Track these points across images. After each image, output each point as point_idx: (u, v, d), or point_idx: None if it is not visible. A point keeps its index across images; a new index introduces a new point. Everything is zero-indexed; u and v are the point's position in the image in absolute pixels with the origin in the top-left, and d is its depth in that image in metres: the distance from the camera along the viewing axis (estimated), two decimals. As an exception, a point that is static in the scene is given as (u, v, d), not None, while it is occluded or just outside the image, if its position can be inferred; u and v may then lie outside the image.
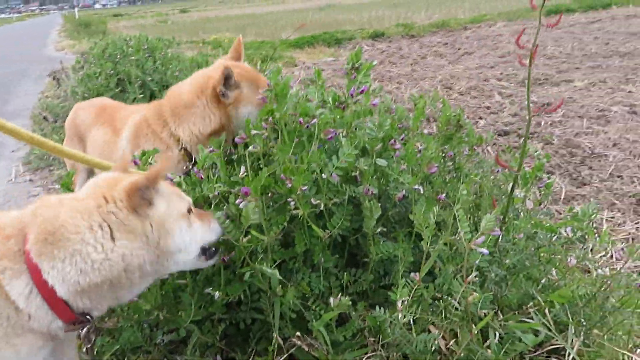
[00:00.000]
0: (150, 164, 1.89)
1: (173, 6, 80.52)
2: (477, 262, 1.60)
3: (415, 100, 2.11)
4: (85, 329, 1.46)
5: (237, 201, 1.61)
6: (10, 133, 1.79)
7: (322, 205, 1.69)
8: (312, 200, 1.67)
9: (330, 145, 1.85)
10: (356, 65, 1.76)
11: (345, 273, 1.82)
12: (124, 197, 1.37)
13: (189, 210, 1.52)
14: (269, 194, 1.72)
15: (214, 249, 1.61)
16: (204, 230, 1.55)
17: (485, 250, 1.48)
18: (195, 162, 2.04)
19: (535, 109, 1.63)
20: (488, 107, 7.15)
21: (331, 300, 1.63)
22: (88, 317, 1.41)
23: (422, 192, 1.74)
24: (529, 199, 2.13)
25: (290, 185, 1.63)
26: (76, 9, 54.72)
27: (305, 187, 1.65)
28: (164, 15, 42.09)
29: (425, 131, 2.32)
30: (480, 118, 6.64)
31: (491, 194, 1.97)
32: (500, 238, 1.86)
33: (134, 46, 6.06)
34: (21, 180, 5.14)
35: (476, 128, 6.25)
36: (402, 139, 1.94)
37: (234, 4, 63.78)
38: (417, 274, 1.59)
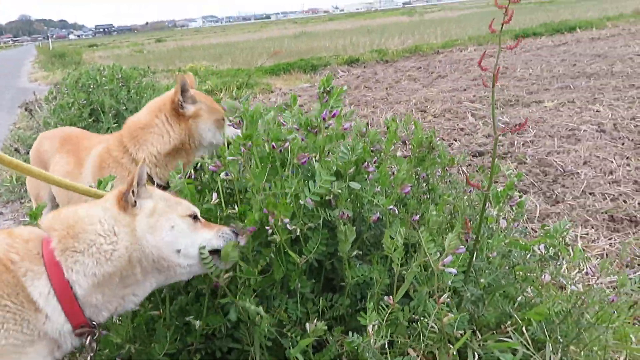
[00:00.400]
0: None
1: (149, 36, 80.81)
2: (450, 282, 1.60)
3: (388, 124, 2.13)
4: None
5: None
6: None
7: (298, 231, 1.68)
8: (288, 226, 1.67)
9: (304, 170, 1.85)
10: (327, 89, 1.78)
11: (322, 298, 1.80)
12: (114, 199, 1.53)
13: (193, 217, 1.61)
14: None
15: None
16: (210, 235, 1.60)
17: (453, 270, 1.49)
18: (158, 186, 2.08)
19: (503, 129, 1.66)
20: (462, 129, 7.28)
21: (307, 325, 1.61)
22: (93, 324, 1.49)
23: (397, 213, 1.75)
24: (502, 218, 2.16)
25: (272, 220, 1.63)
26: (50, 40, 54.47)
27: (287, 220, 1.65)
28: (139, 45, 42.14)
29: (400, 153, 2.35)
30: (455, 140, 6.75)
31: (464, 214, 1.99)
32: (474, 257, 1.88)
33: (108, 76, 6.04)
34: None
35: (451, 149, 6.34)
36: (375, 162, 1.95)
37: (210, 33, 64.30)
38: (391, 297, 1.59)
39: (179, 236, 1.54)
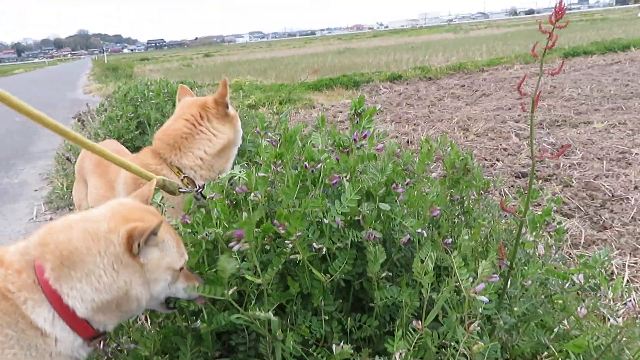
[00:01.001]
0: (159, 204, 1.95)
1: (197, 51, 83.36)
2: (481, 310, 1.56)
3: (421, 144, 2.12)
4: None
5: (230, 244, 1.63)
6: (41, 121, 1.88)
7: (325, 250, 1.68)
8: (315, 244, 1.67)
9: (334, 190, 1.86)
10: (358, 111, 1.79)
11: (349, 318, 1.79)
12: (124, 239, 1.48)
13: (181, 268, 1.64)
14: (265, 238, 1.74)
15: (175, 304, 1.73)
16: (181, 288, 1.65)
17: (485, 299, 1.45)
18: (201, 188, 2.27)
19: (541, 155, 1.62)
20: (505, 149, 7.11)
21: (334, 347, 1.60)
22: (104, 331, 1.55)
23: (426, 236, 1.72)
24: (540, 244, 2.09)
25: (283, 231, 1.65)
26: (105, 54, 56.97)
27: (300, 233, 1.66)
28: (188, 59, 43.47)
29: (436, 174, 2.32)
30: (498, 160, 6.60)
31: (498, 239, 1.94)
32: (508, 284, 1.82)
33: (155, 90, 6.26)
34: (42, 219, 5.24)
35: (493, 170, 6.20)
36: (407, 184, 1.94)
37: (256, 48, 65.67)
38: (420, 321, 1.56)
39: (167, 289, 1.61)
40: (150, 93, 6.21)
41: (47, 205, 5.68)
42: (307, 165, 1.76)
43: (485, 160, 6.68)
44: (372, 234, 1.69)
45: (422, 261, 1.64)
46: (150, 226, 1.47)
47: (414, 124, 9.27)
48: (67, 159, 6.03)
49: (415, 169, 2.02)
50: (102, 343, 1.58)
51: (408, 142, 7.90)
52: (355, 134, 1.78)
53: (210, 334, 1.78)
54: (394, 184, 1.78)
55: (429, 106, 10.90)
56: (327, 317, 1.77)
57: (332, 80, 14.93)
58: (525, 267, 1.93)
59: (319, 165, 1.79)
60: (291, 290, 1.76)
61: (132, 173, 2.07)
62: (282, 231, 1.65)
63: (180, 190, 2.36)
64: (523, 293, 1.91)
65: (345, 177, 1.83)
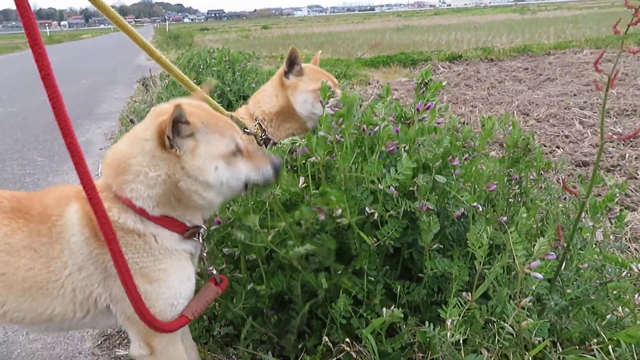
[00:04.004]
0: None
1: (256, 22, 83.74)
2: (533, 287, 1.55)
3: (483, 121, 2.09)
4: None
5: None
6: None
7: (377, 216, 1.72)
8: (367, 209, 1.71)
9: (392, 159, 1.88)
10: (426, 80, 1.79)
11: (399, 284, 1.83)
12: (155, 133, 1.54)
13: (237, 151, 1.64)
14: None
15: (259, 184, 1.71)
16: (249, 169, 1.66)
17: (539, 275, 1.44)
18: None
19: (609, 137, 1.58)
20: (567, 136, 6.84)
21: (384, 310, 1.65)
22: (195, 224, 1.64)
23: (480, 210, 1.72)
24: (599, 231, 2.04)
25: (323, 217, 1.69)
26: (167, 23, 58.19)
27: (340, 210, 1.70)
28: (246, 30, 43.83)
29: (494, 154, 2.29)
30: (558, 147, 6.37)
31: (556, 221, 1.91)
32: (563, 266, 1.80)
33: (217, 58, 6.39)
34: (105, 176, 5.52)
35: (552, 157, 6.00)
36: (466, 159, 1.93)
37: (314, 22, 65.28)
38: (470, 293, 1.58)
39: (222, 174, 1.60)
40: (212, 61, 6.35)
41: (110, 164, 5.96)
42: (364, 128, 1.78)
43: (545, 146, 6.46)
44: (424, 205, 1.71)
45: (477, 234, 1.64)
46: (169, 116, 1.47)
47: (472, 106, 9.03)
48: (131, 120, 6.29)
49: (475, 145, 2.00)
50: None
51: (464, 123, 7.73)
52: (419, 103, 1.79)
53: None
54: (451, 157, 1.78)
55: (488, 88, 10.58)
56: (371, 279, 1.82)
57: (389, 57, 14.71)
58: (582, 252, 1.90)
59: (376, 129, 1.81)
60: (327, 244, 1.77)
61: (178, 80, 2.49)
62: (322, 217, 1.69)
63: (245, 130, 2.65)
64: (577, 277, 1.88)
65: (404, 147, 1.85)
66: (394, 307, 1.66)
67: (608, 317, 2.02)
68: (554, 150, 6.25)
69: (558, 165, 2.19)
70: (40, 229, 1.61)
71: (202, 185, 1.58)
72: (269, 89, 2.95)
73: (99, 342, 2.57)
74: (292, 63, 2.86)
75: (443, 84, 1.87)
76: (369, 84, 11.81)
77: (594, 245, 2.00)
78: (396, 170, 1.68)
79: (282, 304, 1.94)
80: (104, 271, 1.59)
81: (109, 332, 2.63)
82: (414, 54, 15.03)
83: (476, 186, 1.78)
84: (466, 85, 11.07)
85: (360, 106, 3.14)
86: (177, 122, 1.50)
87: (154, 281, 1.58)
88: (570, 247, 1.78)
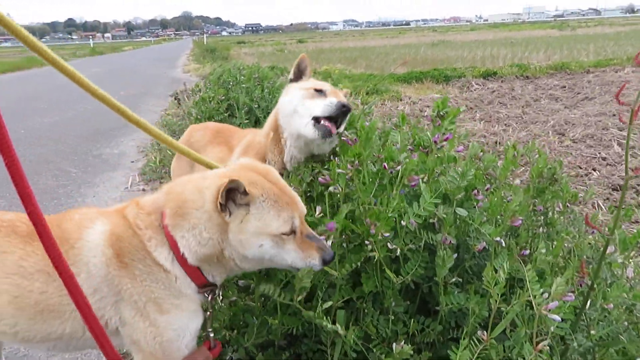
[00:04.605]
0: None
1: (291, 36, 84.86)
2: (552, 328, 1.48)
3: (507, 150, 2.03)
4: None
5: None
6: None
7: (398, 251, 1.68)
8: (389, 244, 1.67)
9: (411, 190, 1.84)
10: (441, 112, 1.74)
11: (413, 320, 1.77)
12: (213, 195, 1.51)
13: (291, 232, 1.57)
14: (343, 234, 1.75)
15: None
16: (298, 257, 1.59)
17: (557, 317, 1.37)
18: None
19: (638, 169, 1.50)
20: (604, 158, 6.62)
21: (394, 345, 1.60)
22: (214, 283, 1.64)
23: (503, 244, 1.66)
24: (631, 267, 1.94)
25: (373, 231, 1.65)
26: (205, 35, 59.59)
27: (388, 234, 1.66)
28: (282, 44, 44.41)
29: (519, 181, 2.21)
30: (594, 169, 6.16)
31: (581, 256, 1.82)
32: (587, 305, 1.71)
33: (246, 75, 6.47)
34: (135, 189, 5.68)
35: (588, 180, 5.80)
36: (487, 189, 1.87)
37: (349, 36, 65.64)
38: (485, 332, 1.51)
39: (266, 253, 1.56)
40: (242, 77, 6.44)
41: (140, 177, 6.12)
42: (386, 166, 1.75)
43: (580, 168, 6.25)
44: (447, 239, 1.66)
45: (496, 270, 1.59)
46: (225, 182, 1.44)
47: (505, 124, 8.86)
48: (162, 134, 6.40)
49: (497, 174, 1.94)
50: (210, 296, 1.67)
51: (497, 143, 7.57)
52: (436, 135, 1.74)
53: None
54: (475, 190, 1.73)
55: (523, 106, 10.36)
56: (393, 318, 1.77)
57: (422, 73, 14.60)
58: (609, 289, 1.80)
59: (398, 167, 1.77)
60: (365, 288, 1.77)
61: (191, 159, 2.13)
62: (373, 231, 1.65)
63: None
64: (605, 316, 1.79)
65: (423, 178, 1.80)
66: (406, 342, 1.61)
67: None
68: (590, 173, 6.04)
69: (586, 197, 2.09)
70: None
71: (240, 257, 1.58)
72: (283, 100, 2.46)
73: (116, 360, 2.59)
74: (299, 72, 2.50)
75: (461, 110, 1.82)
76: (401, 100, 11.74)
77: (624, 282, 1.90)
78: (419, 206, 1.64)
79: (294, 337, 1.91)
80: (117, 294, 1.60)
81: (124, 350, 2.65)
82: (447, 70, 14.88)
83: (499, 219, 1.72)
84: (500, 103, 10.88)
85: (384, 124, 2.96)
86: (234, 190, 1.49)
87: (165, 312, 1.59)
88: (595, 285, 1.69)
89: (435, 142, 1.74)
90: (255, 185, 1.53)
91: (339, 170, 1.78)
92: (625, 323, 1.74)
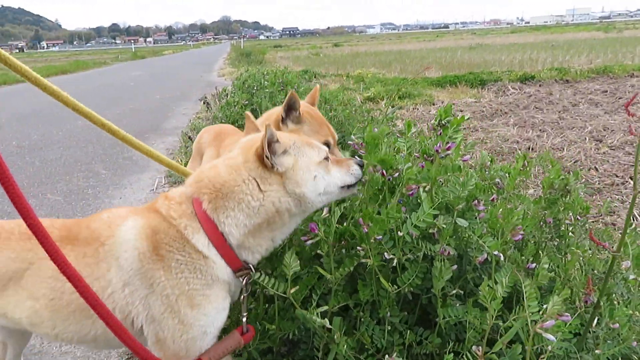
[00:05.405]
0: None
1: (327, 40, 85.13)
2: (550, 347, 1.41)
3: (517, 159, 1.97)
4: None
5: (302, 237, 1.65)
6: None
7: (395, 261, 1.65)
8: (386, 254, 1.65)
9: (412, 200, 1.81)
10: (443, 122, 1.70)
11: (409, 332, 1.73)
12: (256, 159, 1.63)
13: (326, 158, 1.72)
14: (341, 240, 1.74)
15: (353, 184, 1.79)
16: (342, 174, 1.75)
17: (551, 337, 1.31)
18: None
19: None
20: (643, 166, 6.33)
21: (386, 357, 1.57)
22: (249, 266, 1.69)
23: (502, 258, 1.61)
24: (644, 283, 1.85)
25: (366, 230, 1.64)
26: (242, 39, 60.51)
27: (380, 237, 1.64)
28: (317, 48, 44.56)
29: (532, 191, 2.14)
30: (631, 178, 5.90)
31: (591, 271, 1.74)
32: (594, 323, 1.64)
33: (269, 80, 6.53)
34: (160, 191, 5.78)
35: (624, 189, 5.56)
36: (493, 199, 1.82)
37: (385, 40, 65.30)
38: (480, 347, 1.47)
39: (320, 182, 1.68)
40: (265, 82, 6.49)
41: (166, 179, 6.24)
42: (384, 172, 1.73)
43: (617, 177, 6.01)
44: (446, 250, 1.62)
45: (491, 287, 1.54)
46: (263, 137, 1.56)
47: (540, 130, 8.60)
48: (189, 137, 6.54)
49: (505, 184, 1.88)
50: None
51: (530, 148, 7.36)
52: (438, 145, 1.71)
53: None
54: (475, 200, 1.68)
55: (560, 112, 10.04)
56: (389, 328, 1.74)
57: (457, 77, 14.37)
58: (623, 307, 1.72)
59: (396, 174, 1.75)
60: (360, 295, 1.75)
61: (172, 169, 2.37)
62: (366, 230, 1.66)
63: None
64: (614, 336, 1.70)
65: (425, 187, 1.76)
66: (402, 354, 1.57)
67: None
68: (626, 182, 5.79)
69: (603, 210, 2.00)
70: (86, 251, 1.67)
71: (299, 200, 1.65)
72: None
73: (125, 358, 2.65)
74: (290, 108, 2.57)
75: (466, 118, 1.77)
76: (434, 104, 11.57)
77: (630, 301, 1.81)
78: (417, 216, 1.60)
79: (293, 342, 1.90)
80: (149, 287, 1.62)
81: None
82: (483, 74, 14.57)
83: (502, 232, 1.67)
84: (536, 107, 10.58)
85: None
86: (270, 143, 1.59)
87: (196, 306, 1.61)
88: (601, 303, 1.61)
89: (437, 151, 1.70)
90: (279, 134, 1.65)
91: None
92: (635, 343, 1.65)
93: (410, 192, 1.72)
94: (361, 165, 1.78)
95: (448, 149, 1.70)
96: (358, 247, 1.67)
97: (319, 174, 1.67)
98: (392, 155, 1.80)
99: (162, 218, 1.67)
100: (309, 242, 1.71)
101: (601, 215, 4.32)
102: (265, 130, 1.56)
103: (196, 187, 1.68)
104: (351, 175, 1.76)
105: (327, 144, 2.52)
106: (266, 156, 1.59)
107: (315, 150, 1.71)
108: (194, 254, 1.62)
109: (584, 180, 5.88)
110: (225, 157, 1.74)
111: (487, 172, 1.88)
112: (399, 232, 1.65)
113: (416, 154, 1.99)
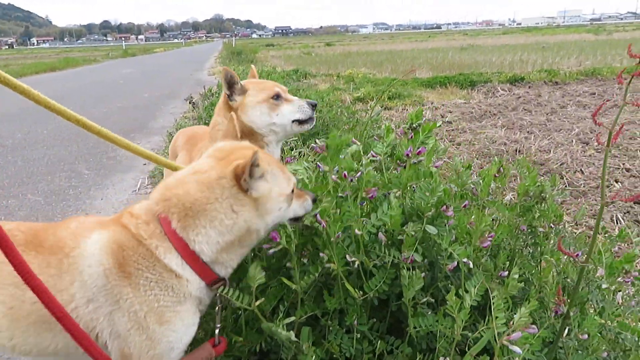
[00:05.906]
0: None
1: (320, 39, 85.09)
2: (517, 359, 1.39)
3: (493, 164, 1.94)
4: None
5: (264, 246, 1.62)
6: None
7: (359, 264, 1.61)
8: (348, 257, 1.62)
9: (374, 205, 1.78)
10: (414, 125, 1.67)
11: (380, 340, 1.70)
12: (232, 180, 1.58)
13: (292, 190, 1.71)
14: (304, 250, 1.71)
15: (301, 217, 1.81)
16: (297, 206, 1.75)
17: (518, 349, 1.28)
18: None
19: (614, 195, 1.39)
20: (628, 170, 6.36)
21: (354, 369, 1.54)
22: (223, 277, 1.68)
23: (471, 266, 1.58)
24: (618, 293, 1.83)
25: (324, 225, 1.62)
26: (234, 38, 60.31)
27: (339, 233, 1.62)
28: (309, 47, 44.48)
29: (509, 197, 2.12)
30: (617, 181, 5.92)
31: (560, 281, 1.72)
32: (565, 333, 1.61)
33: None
34: (142, 192, 5.71)
35: (609, 192, 5.57)
36: (464, 206, 1.79)
37: (378, 40, 65.38)
38: (447, 359, 1.44)
39: (282, 213, 1.68)
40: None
41: (149, 180, 6.16)
42: (345, 174, 1.70)
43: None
44: (410, 257, 1.58)
45: (466, 291, 1.51)
46: (248, 160, 1.53)
47: (527, 132, 8.61)
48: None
49: (479, 191, 1.85)
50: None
51: (517, 150, 7.37)
52: (408, 149, 1.67)
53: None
54: (444, 206, 1.65)
55: (548, 113, 10.07)
56: (358, 336, 1.71)
57: (447, 78, 14.38)
58: (594, 317, 1.70)
59: (358, 174, 1.72)
60: (327, 304, 1.72)
61: (161, 165, 2.36)
62: (324, 224, 1.64)
63: None
64: (586, 347, 1.68)
65: (395, 193, 1.73)
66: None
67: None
68: (611, 185, 5.81)
69: (577, 217, 1.98)
70: (50, 260, 1.61)
71: (265, 225, 1.65)
72: (219, 120, 2.66)
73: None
74: (230, 84, 2.60)
75: (438, 125, 1.74)
76: (423, 104, 11.56)
77: (612, 309, 1.79)
78: (377, 216, 1.57)
79: (263, 352, 1.86)
80: (114, 304, 1.57)
81: None
82: (473, 75, 14.60)
83: (470, 239, 1.64)
84: (525, 109, 10.60)
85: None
86: (252, 166, 1.56)
87: (165, 322, 1.58)
88: (570, 314, 1.59)
89: (407, 155, 1.67)
90: (260, 157, 1.60)
91: (300, 177, 1.75)
92: (605, 354, 1.63)
93: (370, 195, 1.69)
94: (314, 200, 1.79)
95: (418, 153, 1.67)
96: (321, 254, 1.63)
97: (283, 206, 1.68)
98: (353, 162, 1.77)
99: (131, 235, 1.61)
100: (272, 250, 1.68)
101: (585, 219, 4.31)
102: (253, 154, 1.52)
103: (163, 206, 1.62)
104: (303, 209, 1.77)
105: (277, 95, 2.60)
106: (244, 179, 1.56)
107: (286, 181, 1.70)
108: (165, 273, 1.58)
109: (568, 183, 5.89)
110: (195, 169, 1.68)
111: (458, 179, 1.85)
112: (357, 231, 1.62)
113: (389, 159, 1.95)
